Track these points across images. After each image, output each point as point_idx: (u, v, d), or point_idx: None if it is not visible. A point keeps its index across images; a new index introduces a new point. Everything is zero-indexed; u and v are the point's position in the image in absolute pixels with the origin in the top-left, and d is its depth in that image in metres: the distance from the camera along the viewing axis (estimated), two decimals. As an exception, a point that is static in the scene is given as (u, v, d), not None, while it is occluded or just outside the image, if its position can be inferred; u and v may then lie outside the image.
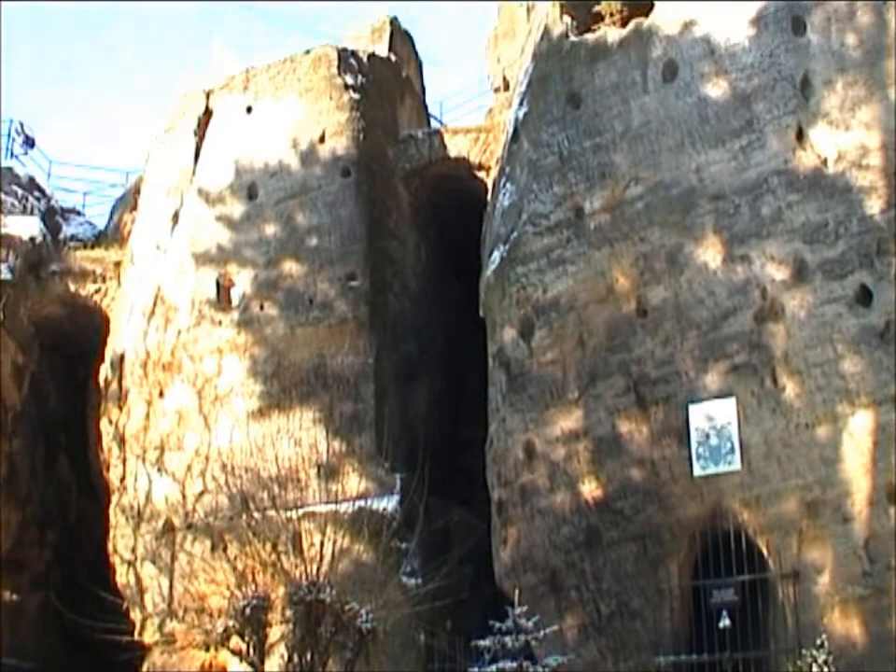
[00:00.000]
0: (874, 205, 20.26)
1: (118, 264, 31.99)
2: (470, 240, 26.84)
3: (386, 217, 29.02)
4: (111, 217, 35.66)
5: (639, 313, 22.42)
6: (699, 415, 21.26)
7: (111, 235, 34.30)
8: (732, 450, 20.82)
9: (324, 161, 28.97)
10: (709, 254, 21.72)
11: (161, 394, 28.70)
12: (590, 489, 22.33)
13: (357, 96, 29.77)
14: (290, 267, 28.25)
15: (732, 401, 20.96)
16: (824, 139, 21.02)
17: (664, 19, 23.53)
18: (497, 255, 24.74)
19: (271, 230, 28.77)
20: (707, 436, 21.09)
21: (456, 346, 28.85)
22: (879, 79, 20.75)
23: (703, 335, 21.47)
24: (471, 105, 33.54)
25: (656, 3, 23.85)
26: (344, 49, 30.75)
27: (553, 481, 22.85)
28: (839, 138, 20.86)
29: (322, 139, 29.19)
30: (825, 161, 20.94)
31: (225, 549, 25.19)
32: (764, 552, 20.49)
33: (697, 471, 21.16)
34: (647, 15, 23.92)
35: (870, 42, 21.03)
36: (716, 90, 22.45)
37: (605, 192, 23.27)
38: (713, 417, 21.08)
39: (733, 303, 21.27)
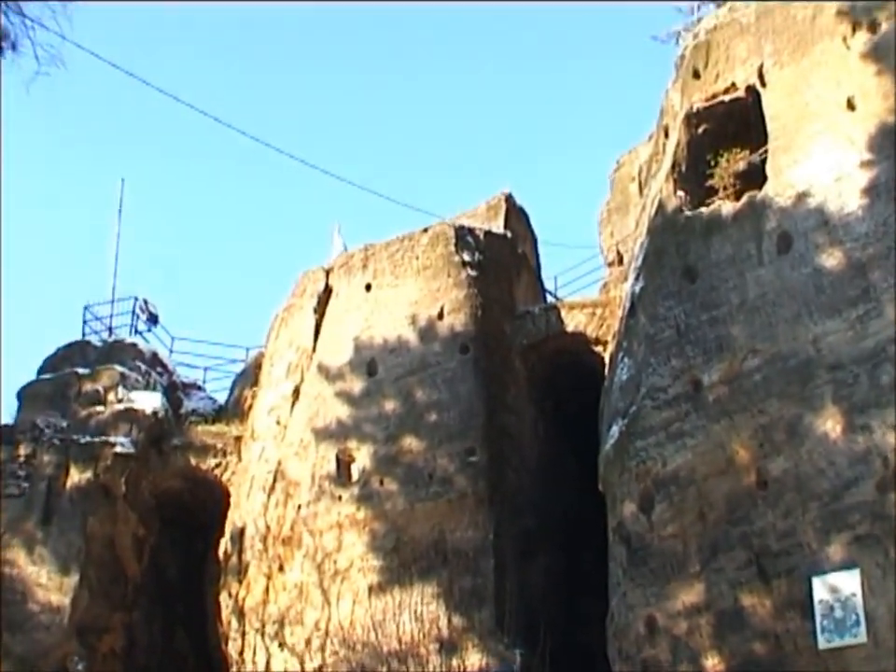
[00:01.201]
0: None
1: (238, 439, 32.71)
2: (588, 414, 27.07)
3: (504, 392, 29.42)
4: (231, 392, 36.53)
5: (759, 485, 22.32)
6: (823, 587, 20.99)
7: (231, 410, 35.10)
8: (857, 622, 20.49)
9: (442, 338, 29.57)
10: (829, 424, 21.66)
11: (280, 568, 29.07)
12: (713, 663, 22.05)
13: (474, 273, 30.41)
14: (410, 442, 28.68)
15: (856, 573, 20.66)
16: (940, 306, 21.07)
17: (776, 191, 23.82)
18: (615, 429, 24.91)
19: (390, 405, 29.29)
20: (832, 608, 20.81)
21: (574, 521, 28.82)
22: None
23: (824, 506, 21.31)
24: (586, 279, 34.10)
25: (769, 175, 24.29)
26: (461, 227, 31.49)
27: (675, 655, 22.63)
28: (959, 302, 20.90)
29: (440, 316, 29.82)
30: (942, 329, 20.97)
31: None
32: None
33: (822, 644, 20.79)
34: (760, 188, 24.25)
35: None
36: (831, 260, 22.58)
37: (722, 365, 23.38)
38: (837, 589, 20.80)
39: (854, 473, 21.13)
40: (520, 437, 29.43)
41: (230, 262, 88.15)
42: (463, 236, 31.18)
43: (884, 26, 23.37)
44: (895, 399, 21.02)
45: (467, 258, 30.71)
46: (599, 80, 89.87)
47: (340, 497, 28.95)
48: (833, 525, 21.16)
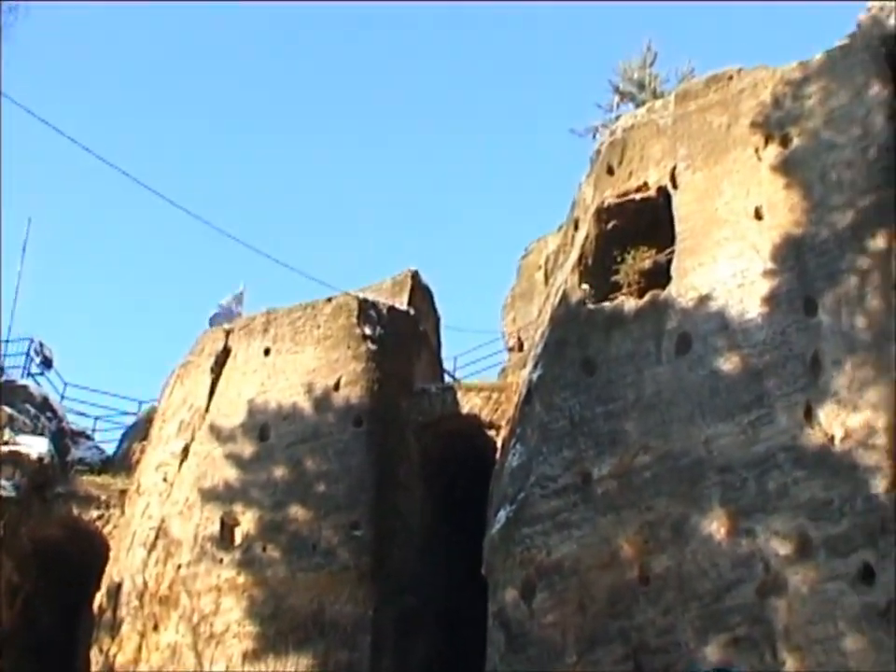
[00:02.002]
0: (878, 485, 20.46)
1: (123, 492, 32.25)
2: (478, 497, 27.05)
3: (395, 468, 29.29)
4: (120, 445, 36.15)
5: (642, 580, 22.41)
6: (698, 686, 21.19)
7: (119, 463, 34.69)
8: (731, 719, 20.70)
9: (337, 409, 29.42)
10: (714, 526, 21.85)
11: (155, 627, 28.55)
12: (583, 755, 22.12)
13: (374, 347, 30.37)
14: (296, 511, 28.42)
15: (731, 674, 20.91)
16: (832, 418, 21.34)
17: (680, 292, 24.15)
18: (503, 514, 24.88)
19: (279, 472, 29.05)
20: (706, 706, 20.98)
21: (457, 603, 28.70)
22: (887, 362, 21.19)
23: (705, 606, 21.44)
24: (486, 362, 34.22)
25: (673, 276, 24.61)
26: (365, 300, 31.43)
27: (547, 743, 22.66)
28: (847, 417, 21.18)
29: (337, 387, 29.70)
30: (832, 440, 21.21)
31: None
32: None
33: (694, 743, 20.99)
34: (663, 287, 24.57)
35: (879, 325, 21.53)
36: (728, 364, 22.89)
37: (614, 459, 23.50)
38: (713, 689, 21.00)
39: (736, 576, 21.30)
40: (408, 514, 29.27)
41: (131, 314, 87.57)
42: (366, 309, 31.14)
43: (796, 141, 23.90)
44: (781, 506, 21.30)
45: (368, 331, 30.68)
46: (516, 168, 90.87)
47: (221, 560, 28.59)
48: (712, 626, 21.29)
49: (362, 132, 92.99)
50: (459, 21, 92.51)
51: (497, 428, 29.10)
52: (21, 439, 33.00)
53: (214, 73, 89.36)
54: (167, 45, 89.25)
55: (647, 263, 25.81)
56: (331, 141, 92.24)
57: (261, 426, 29.90)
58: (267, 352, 31.18)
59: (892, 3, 24.01)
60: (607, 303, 25.42)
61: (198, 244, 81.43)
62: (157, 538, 29.67)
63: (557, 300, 26.51)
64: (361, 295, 31.80)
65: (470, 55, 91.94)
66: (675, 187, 25.47)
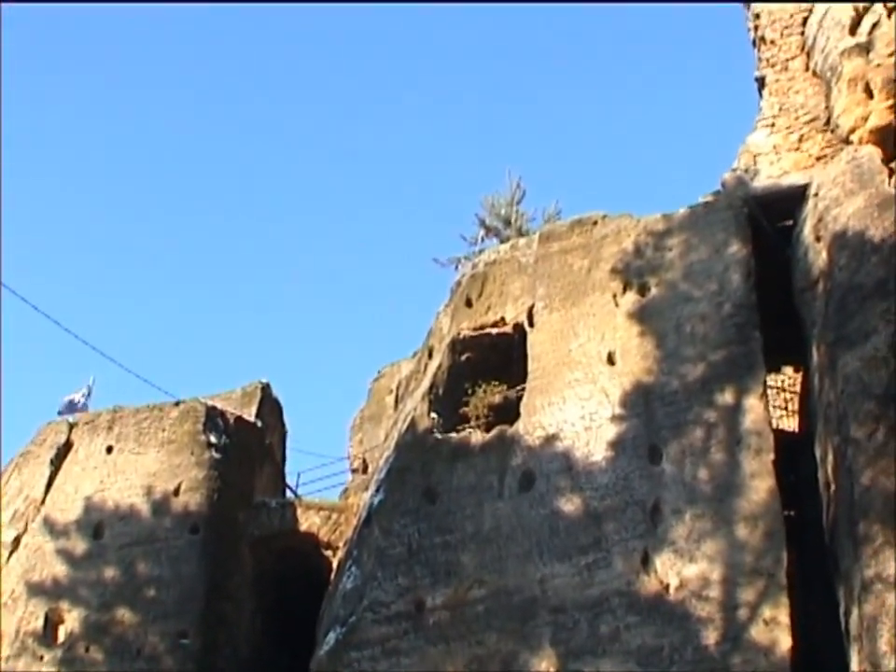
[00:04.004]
0: (709, 636, 20.19)
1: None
2: (308, 616, 26.09)
3: (228, 579, 28.27)
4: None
5: (468, 715, 21.80)
6: None
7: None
8: None
9: (175, 515, 28.38)
10: (544, 665, 21.23)
11: (-32, 720, 27.09)
12: None
13: (218, 455, 29.51)
14: (123, 614, 27.19)
15: None
16: (668, 566, 21.09)
17: (527, 429, 23.75)
18: (332, 636, 23.93)
19: (110, 573, 27.81)
20: None
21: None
22: (726, 515, 21.06)
23: (529, 745, 20.86)
24: (329, 481, 33.44)
25: (522, 413, 24.16)
26: (213, 408, 30.63)
27: None
28: (683, 567, 20.96)
29: (177, 492, 28.69)
30: (667, 588, 20.94)
31: None
32: None
33: None
34: (511, 423, 24.14)
35: (721, 478, 21.46)
36: (569, 505, 22.50)
37: (448, 590, 22.83)
38: None
39: (562, 718, 20.79)
40: (237, 626, 28.21)
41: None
42: (213, 417, 30.34)
43: (653, 291, 23.86)
44: (611, 650, 20.80)
45: (213, 439, 29.86)
46: (376, 291, 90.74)
47: (42, 657, 27.25)
48: None
49: (230, 238, 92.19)
50: (336, 140, 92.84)
51: (334, 549, 28.29)
52: None
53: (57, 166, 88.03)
54: None
55: (497, 398, 25.43)
56: (200, 247, 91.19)
57: (96, 524, 28.71)
58: (109, 450, 30.10)
59: (756, 166, 24.24)
60: (454, 434, 24.93)
61: (50, 336, 79.93)
62: (-23, 628, 28.18)
63: (405, 426, 25.96)
64: (210, 402, 30.95)
65: (342, 173, 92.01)
66: (531, 325, 25.18)
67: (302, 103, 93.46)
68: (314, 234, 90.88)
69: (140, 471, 29.29)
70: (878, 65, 23.64)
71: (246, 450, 30.66)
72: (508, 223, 32.89)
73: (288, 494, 32.62)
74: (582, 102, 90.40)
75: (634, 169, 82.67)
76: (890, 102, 23.36)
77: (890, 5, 23.84)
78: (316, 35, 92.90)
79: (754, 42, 26.54)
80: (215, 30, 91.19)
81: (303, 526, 29.57)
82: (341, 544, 27.68)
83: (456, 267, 31.95)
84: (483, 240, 33.07)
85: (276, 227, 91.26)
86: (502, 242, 30.13)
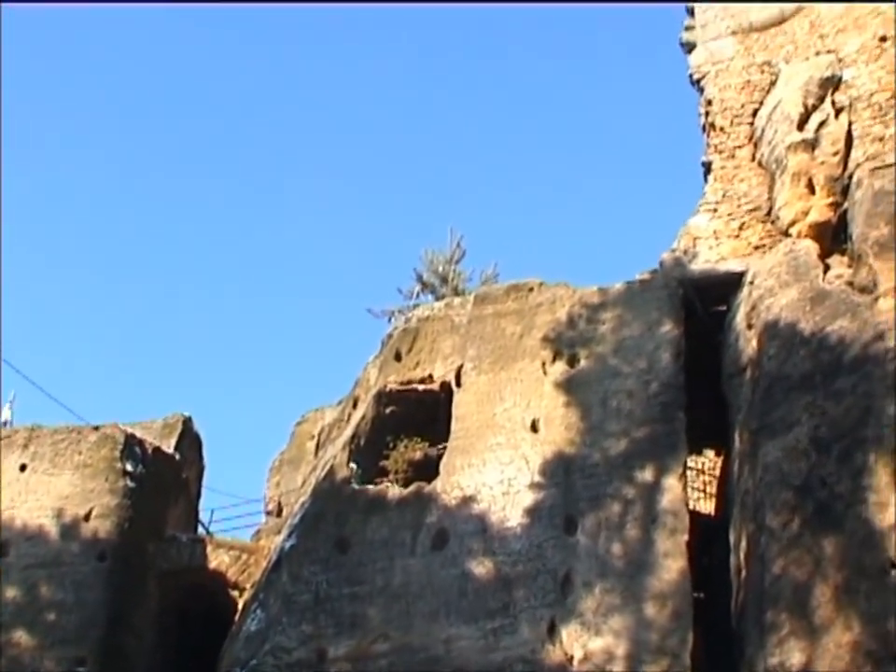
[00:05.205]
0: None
1: None
2: (210, 654, 25.49)
3: (131, 610, 27.47)
4: None
5: None
6: None
7: None
8: None
9: (83, 540, 27.58)
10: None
11: None
12: None
13: (132, 484, 28.78)
14: (20, 636, 26.35)
15: None
16: (574, 638, 20.90)
17: (445, 489, 23.49)
18: (232, 678, 23.54)
19: (11, 593, 26.96)
20: None
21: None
22: (636, 592, 20.94)
23: None
24: (243, 521, 32.87)
25: (441, 472, 23.83)
26: (132, 436, 29.89)
27: None
28: (588, 640, 20.78)
29: (87, 517, 27.89)
30: (571, 659, 20.76)
31: None
32: None
33: None
34: (430, 481, 23.83)
35: (634, 555, 21.33)
36: (480, 568, 22.24)
37: (352, 642, 22.45)
38: None
39: None
40: (136, 659, 27.40)
41: None
42: (132, 445, 29.61)
43: (583, 362, 23.76)
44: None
45: (129, 467, 29.16)
46: (307, 335, 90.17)
47: (-68, 675, 26.41)
48: None
49: (162, 279, 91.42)
50: (278, 182, 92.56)
51: (241, 590, 27.65)
52: None
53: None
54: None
55: (418, 454, 25.13)
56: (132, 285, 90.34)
57: (2, 542, 27.90)
58: (23, 468, 29.29)
59: (696, 249, 24.22)
60: (371, 486, 24.60)
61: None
62: None
63: (323, 473, 25.60)
64: (130, 430, 30.28)
65: (284, 214, 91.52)
66: (459, 385, 24.92)
67: (242, 143, 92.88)
68: (250, 272, 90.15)
69: (52, 493, 28.54)
70: (822, 162, 23.79)
71: (162, 482, 29.97)
72: (445, 281, 32.64)
73: (200, 530, 32.00)
74: (533, 170, 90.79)
75: (575, 239, 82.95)
76: (831, 199, 23.51)
77: (839, 104, 24.00)
78: (256, 81, 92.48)
79: (704, 127, 26.52)
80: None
81: (212, 564, 28.88)
82: (248, 585, 27.14)
83: (390, 319, 31.62)
84: (418, 295, 32.79)
85: (215, 263, 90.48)
86: (438, 299, 29.90)
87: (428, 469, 24.38)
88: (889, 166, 21.87)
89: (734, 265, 24.10)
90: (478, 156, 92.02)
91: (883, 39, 24.04)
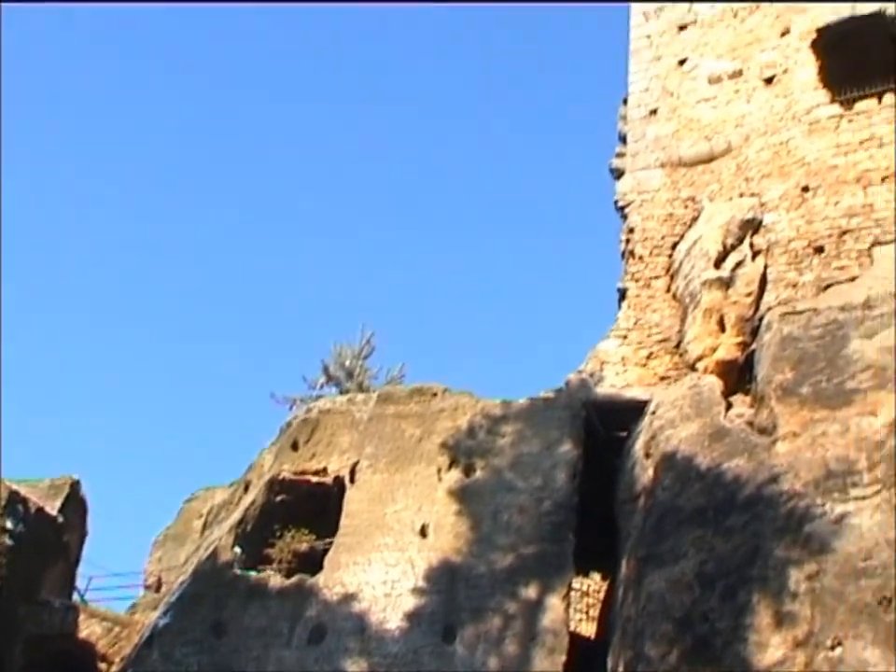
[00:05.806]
0: None
1: None
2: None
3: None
4: None
5: None
6: None
7: None
8: None
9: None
10: None
11: None
12: None
13: (10, 542, 28.02)
14: None
15: None
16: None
17: (328, 584, 23.17)
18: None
19: None
20: None
21: None
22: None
23: None
24: (121, 591, 32.16)
25: (326, 566, 23.47)
26: (16, 493, 29.05)
27: None
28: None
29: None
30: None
31: None
32: None
33: None
34: (313, 574, 23.51)
35: (510, 670, 21.07)
36: (354, 667, 21.93)
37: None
38: None
39: None
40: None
41: None
42: (14, 502, 28.80)
43: (478, 473, 23.69)
44: None
45: (10, 525, 28.37)
46: (206, 415, 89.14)
47: None
48: None
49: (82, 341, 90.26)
50: (195, 259, 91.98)
51: (111, 663, 26.98)
52: None
53: None
54: None
55: (303, 546, 24.76)
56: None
57: None
58: None
59: (602, 373, 24.28)
60: (253, 573, 24.23)
61: None
62: None
63: (206, 554, 25.16)
64: (14, 487, 29.52)
65: (199, 289, 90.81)
66: (352, 481, 24.73)
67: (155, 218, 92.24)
68: (161, 345, 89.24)
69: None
70: (735, 302, 23.97)
71: (41, 543, 29.14)
72: (350, 375, 32.57)
73: (75, 597, 31.19)
74: (454, 280, 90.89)
75: (485, 350, 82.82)
76: (740, 339, 23.66)
77: (757, 247, 24.27)
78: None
79: (623, 254, 26.70)
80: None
81: (83, 633, 28.09)
82: (118, 659, 26.49)
83: (291, 407, 31.40)
84: (322, 386, 32.64)
85: (128, 332, 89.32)
86: (341, 392, 29.79)
87: (313, 561, 24.04)
88: (799, 313, 22.05)
89: (638, 393, 24.17)
90: (399, 258, 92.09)
91: (805, 189, 24.36)
